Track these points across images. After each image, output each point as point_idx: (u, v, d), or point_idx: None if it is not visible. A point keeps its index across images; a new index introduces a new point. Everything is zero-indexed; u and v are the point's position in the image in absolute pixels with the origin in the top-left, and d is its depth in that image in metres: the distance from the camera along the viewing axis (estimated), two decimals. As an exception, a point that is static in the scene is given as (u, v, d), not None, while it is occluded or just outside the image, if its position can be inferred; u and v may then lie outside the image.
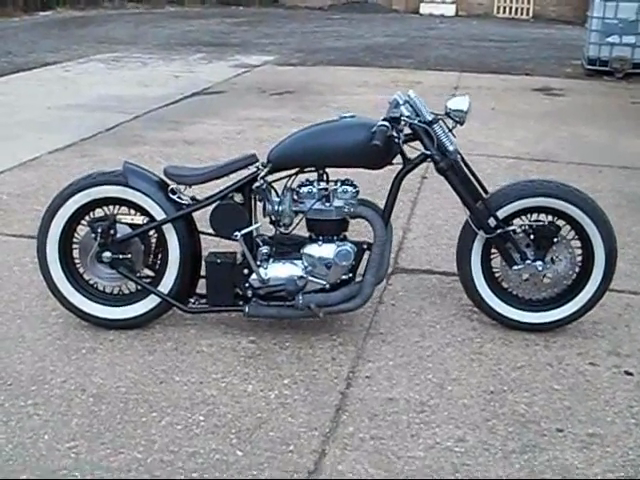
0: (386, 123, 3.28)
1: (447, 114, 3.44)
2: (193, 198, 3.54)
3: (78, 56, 12.79)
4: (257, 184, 3.45)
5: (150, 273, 3.63)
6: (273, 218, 3.50)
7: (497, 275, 3.64)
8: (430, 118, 3.44)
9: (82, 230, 3.59)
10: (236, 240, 3.41)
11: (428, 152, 3.42)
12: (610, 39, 10.92)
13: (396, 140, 3.38)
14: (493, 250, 3.59)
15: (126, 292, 3.66)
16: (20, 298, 3.93)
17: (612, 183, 6.03)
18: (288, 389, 3.14)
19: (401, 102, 3.41)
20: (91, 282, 3.63)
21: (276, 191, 3.52)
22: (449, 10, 21.56)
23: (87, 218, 3.55)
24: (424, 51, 13.70)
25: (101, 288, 3.65)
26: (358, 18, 20.38)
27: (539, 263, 3.48)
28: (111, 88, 9.82)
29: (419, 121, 3.42)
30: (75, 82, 10.30)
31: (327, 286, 3.45)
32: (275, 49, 14.03)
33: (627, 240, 4.68)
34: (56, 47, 13.84)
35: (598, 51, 11.03)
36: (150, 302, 3.56)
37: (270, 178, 3.48)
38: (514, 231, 3.50)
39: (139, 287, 3.59)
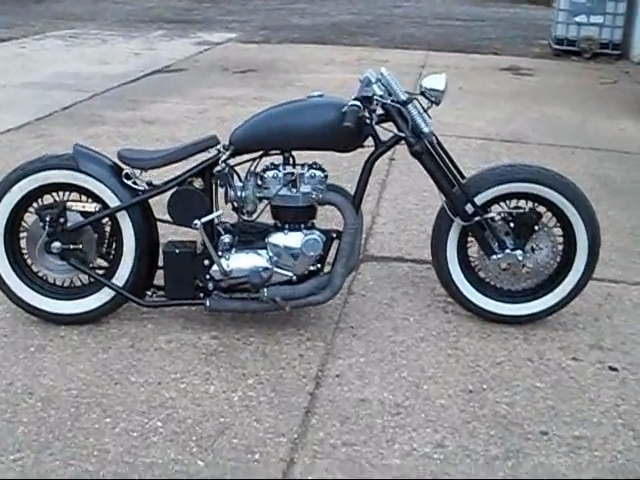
0: (357, 103, 3.05)
1: (422, 93, 3.23)
2: (150, 184, 3.29)
3: (34, 32, 12.38)
4: (218, 168, 3.21)
5: (104, 264, 3.38)
6: (236, 205, 3.26)
7: (474, 265, 3.44)
8: (404, 98, 3.22)
9: (30, 218, 3.31)
10: (196, 229, 3.17)
11: (402, 134, 3.20)
12: (577, 19, 10.76)
13: (368, 121, 3.16)
14: (470, 238, 3.39)
15: (78, 285, 3.41)
16: (-36, 291, 3.65)
17: (585, 165, 5.87)
18: (253, 390, 2.92)
19: (373, 80, 3.18)
20: (40, 274, 3.37)
21: (239, 176, 3.28)
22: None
23: (35, 205, 3.28)
24: (390, 29, 13.45)
25: (51, 281, 3.39)
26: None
27: (519, 252, 3.29)
28: (69, 65, 9.48)
29: (392, 101, 3.20)
30: (31, 59, 9.93)
31: (294, 278, 3.23)
32: (238, 26, 13.71)
33: (604, 225, 4.50)
34: (11, 23, 13.39)
35: (566, 31, 10.88)
36: (104, 295, 3.31)
37: (232, 162, 3.24)
38: (492, 218, 3.30)
39: (92, 279, 3.34)
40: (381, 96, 3.15)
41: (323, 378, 3.02)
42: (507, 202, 3.34)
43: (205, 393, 2.90)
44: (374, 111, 3.18)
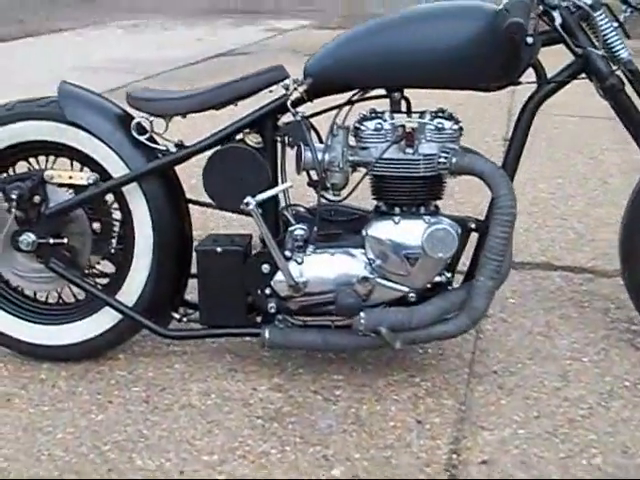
0: (525, -8, 1.79)
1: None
2: (179, 144, 2.07)
3: (94, 23, 11.60)
4: (287, 116, 1.98)
5: (105, 269, 2.18)
6: (314, 176, 2.02)
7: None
8: (589, 1, 1.96)
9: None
10: (247, 212, 1.95)
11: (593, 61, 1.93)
12: None
13: (530, 40, 1.89)
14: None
15: (67, 302, 2.21)
16: None
17: None
18: (341, 488, 1.68)
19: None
20: (11, 284, 2.19)
21: (317, 132, 2.05)
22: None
23: (1, 177, 2.10)
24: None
25: (28, 294, 2.20)
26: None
27: None
28: (126, 51, 8.70)
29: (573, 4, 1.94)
30: (87, 46, 9.22)
31: (410, 295, 1.96)
32: (312, 15, 12.71)
33: None
34: (72, 15, 12.68)
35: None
36: (105, 319, 2.11)
37: (308, 108, 2.01)
38: None
39: (87, 294, 2.13)
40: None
41: (461, 467, 1.76)
42: None
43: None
44: (549, 13, 1.92)
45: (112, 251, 2.17)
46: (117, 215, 2.15)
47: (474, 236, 2.06)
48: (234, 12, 13.54)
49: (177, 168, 2.12)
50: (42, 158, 2.14)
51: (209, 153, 2.02)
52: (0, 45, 9.28)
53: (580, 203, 3.50)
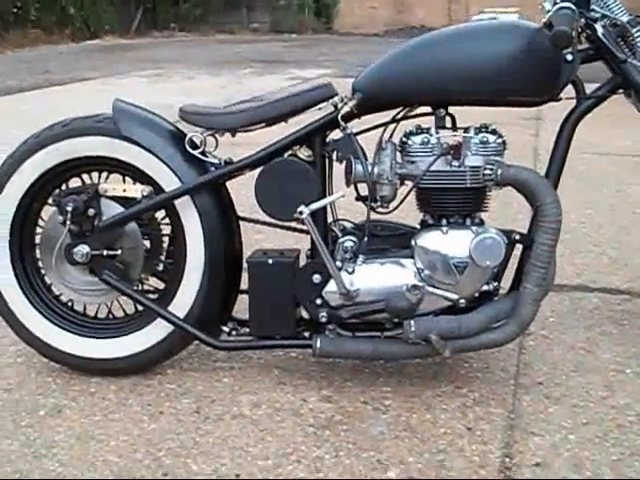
0: (569, 5, 1.84)
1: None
2: (228, 161, 2.13)
3: (119, 73, 11.80)
4: (336, 132, 2.04)
5: (156, 283, 2.22)
6: (362, 191, 2.07)
7: None
8: (626, 19, 2.02)
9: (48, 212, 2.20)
10: (299, 220, 2.00)
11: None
12: None
13: (569, 57, 1.94)
14: None
15: (117, 315, 2.24)
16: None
17: None
18: (397, 491, 1.68)
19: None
20: (63, 298, 2.23)
21: (361, 147, 2.09)
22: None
23: (55, 192, 2.15)
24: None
25: (79, 308, 2.24)
26: (418, 41, 19.17)
27: None
28: (152, 97, 8.72)
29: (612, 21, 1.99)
30: (114, 93, 9.18)
31: (460, 302, 1.99)
32: (332, 65, 12.84)
33: None
34: (97, 66, 12.92)
35: None
36: (156, 332, 2.14)
37: (355, 125, 2.07)
38: None
39: (138, 307, 2.17)
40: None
41: (515, 469, 1.76)
42: None
43: (314, 496, 1.67)
44: (591, 26, 1.97)
45: (161, 266, 2.21)
46: (166, 231, 2.20)
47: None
48: (255, 61, 13.74)
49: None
50: (95, 174, 2.19)
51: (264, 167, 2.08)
52: (27, 94, 9.48)
53: (611, 231, 3.52)
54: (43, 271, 2.22)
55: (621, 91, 2.10)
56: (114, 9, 19.09)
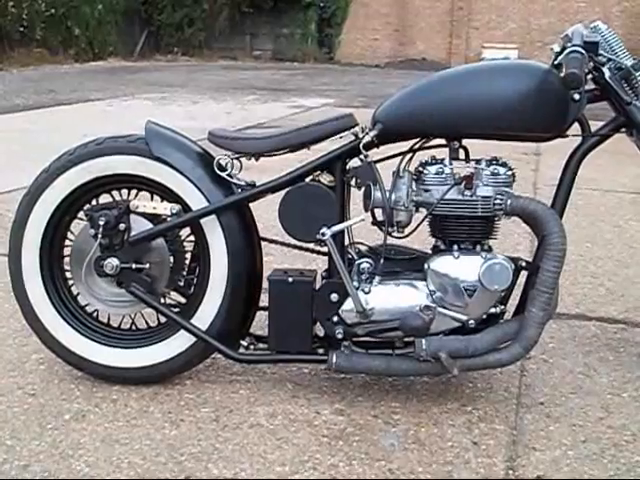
0: (579, 49, 1.98)
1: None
2: (251, 184, 2.25)
3: (123, 95, 11.94)
4: (354, 161, 2.17)
5: (180, 297, 2.34)
6: (378, 216, 2.19)
7: None
8: (630, 63, 2.15)
9: (78, 227, 2.31)
10: (317, 242, 2.12)
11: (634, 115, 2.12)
12: None
13: (577, 97, 2.08)
14: None
15: (141, 327, 2.35)
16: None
17: None
18: (407, 500, 1.78)
19: (590, 32, 2.12)
20: (89, 309, 2.34)
21: (378, 174, 2.22)
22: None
23: (86, 207, 2.27)
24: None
25: (103, 318, 2.35)
26: (417, 74, 19.37)
27: None
28: (157, 120, 8.82)
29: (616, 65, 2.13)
30: (117, 115, 9.39)
31: (470, 323, 2.10)
32: (334, 94, 13.00)
33: None
34: (102, 87, 13.06)
35: None
36: (178, 343, 2.25)
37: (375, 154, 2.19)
38: None
39: (161, 319, 2.28)
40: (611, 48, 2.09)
41: (517, 483, 1.87)
42: None
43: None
44: (600, 69, 2.11)
45: (183, 281, 2.33)
46: (188, 248, 2.32)
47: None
48: (258, 88, 13.88)
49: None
50: (124, 191, 2.30)
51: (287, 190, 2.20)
52: (33, 112, 9.58)
53: (608, 264, 3.64)
54: (71, 282, 2.32)
55: (623, 130, 2.23)
56: (119, 31, 19.28)
